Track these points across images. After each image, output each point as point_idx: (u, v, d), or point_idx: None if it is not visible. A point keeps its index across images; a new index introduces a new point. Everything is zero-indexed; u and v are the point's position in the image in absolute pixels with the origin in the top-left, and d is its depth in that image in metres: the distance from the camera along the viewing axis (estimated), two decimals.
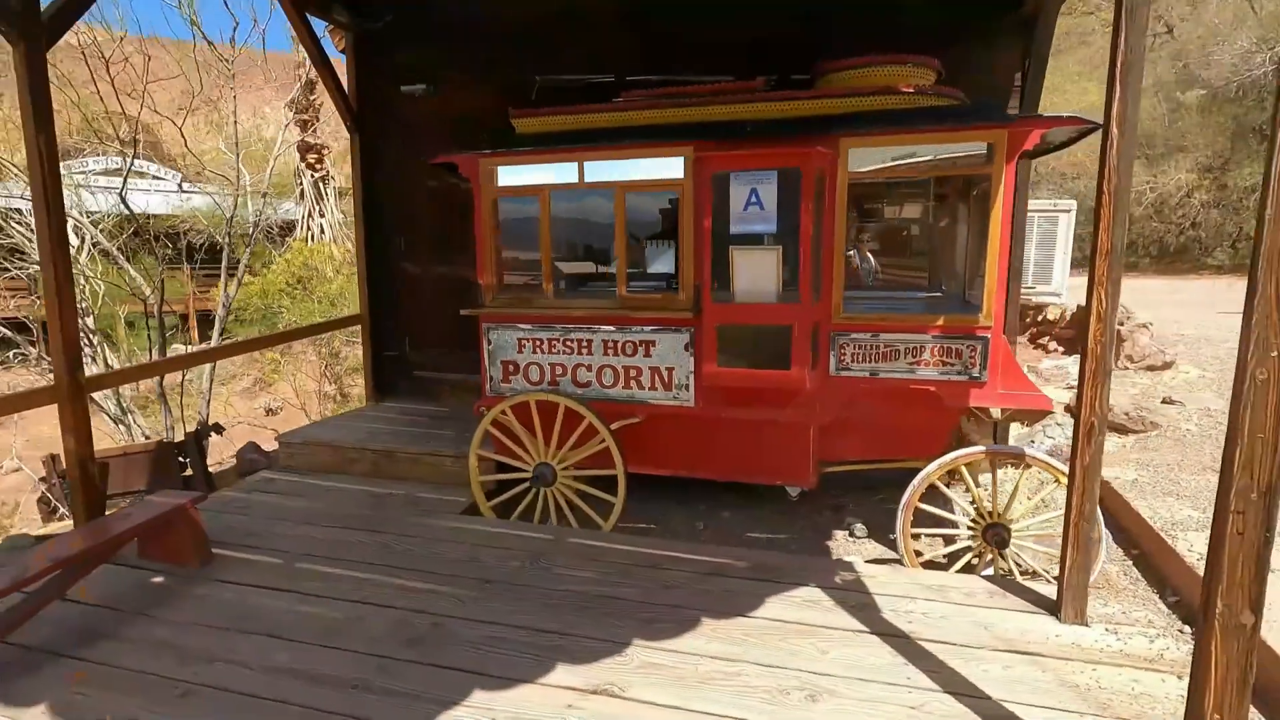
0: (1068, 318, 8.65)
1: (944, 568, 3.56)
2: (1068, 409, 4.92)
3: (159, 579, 3.57)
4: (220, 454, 6.75)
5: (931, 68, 3.80)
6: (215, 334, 7.15)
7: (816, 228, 3.54)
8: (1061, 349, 8.12)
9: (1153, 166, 21.74)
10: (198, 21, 7.30)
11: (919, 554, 3.59)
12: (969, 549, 3.48)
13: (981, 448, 3.39)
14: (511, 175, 4.09)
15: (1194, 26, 24.80)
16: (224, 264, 7.31)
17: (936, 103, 3.53)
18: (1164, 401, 5.13)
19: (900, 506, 3.49)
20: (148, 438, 6.55)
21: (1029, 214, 5.73)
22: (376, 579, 3.49)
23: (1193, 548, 3.11)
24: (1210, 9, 23.51)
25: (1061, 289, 5.90)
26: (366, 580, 3.48)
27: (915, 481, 3.46)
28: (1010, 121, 3.30)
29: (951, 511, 3.61)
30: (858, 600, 3.19)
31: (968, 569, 3.49)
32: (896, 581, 3.32)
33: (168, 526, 3.66)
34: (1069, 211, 5.86)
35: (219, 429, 5.66)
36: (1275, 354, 1.61)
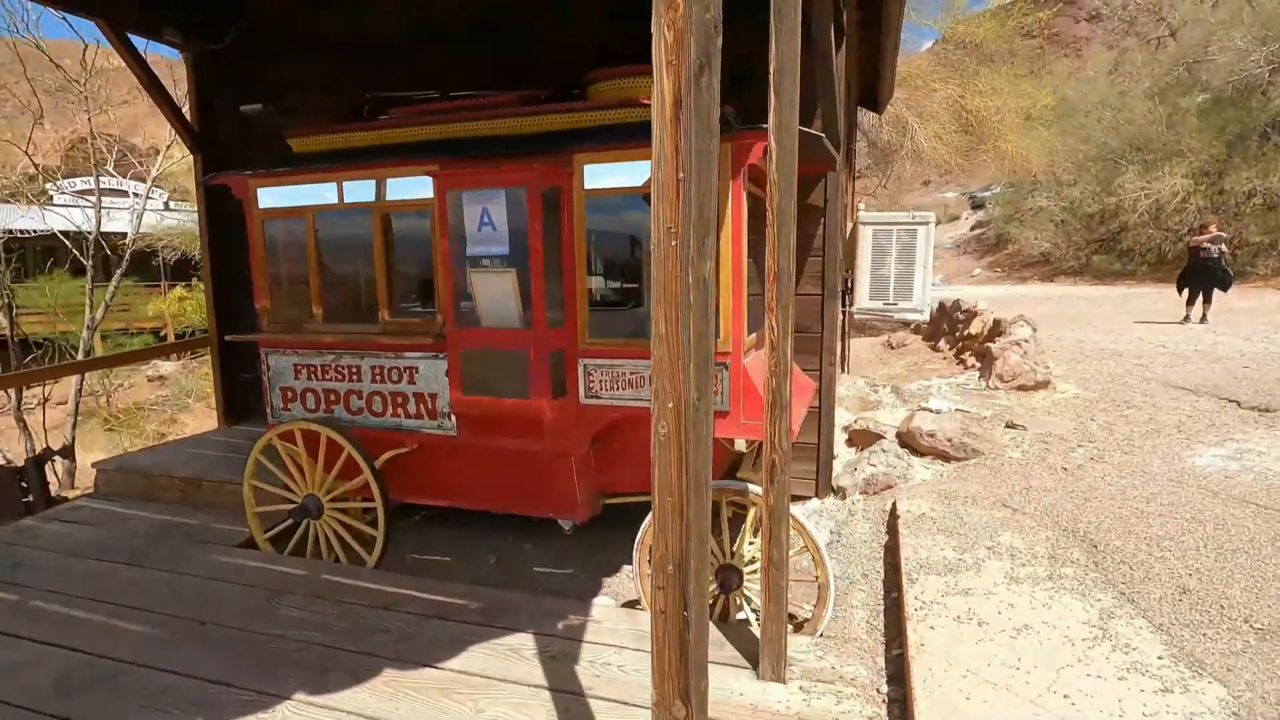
0: (986, 331, 8.30)
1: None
2: (899, 435, 4.62)
3: None
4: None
5: None
6: (80, 353, 7.17)
7: (550, 248, 3.35)
8: (979, 364, 7.77)
9: (1148, 172, 21.03)
10: (42, 48, 7.31)
11: None
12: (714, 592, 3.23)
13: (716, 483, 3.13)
14: (277, 197, 3.96)
15: (1194, 29, 24.11)
16: (88, 283, 7.33)
17: None
18: (1007, 426, 4.80)
19: (635, 544, 3.25)
20: (8, 461, 6.56)
21: (890, 228, 5.47)
22: (92, 619, 3.34)
23: (922, 594, 2.83)
24: (1208, 8, 22.83)
25: (923, 305, 5.60)
26: (81, 619, 3.34)
27: (648, 518, 3.22)
28: (730, 134, 3.08)
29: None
30: (562, 649, 2.96)
31: (721, 613, 3.24)
32: (620, 628, 3.10)
33: None
34: (927, 224, 5.57)
35: (65, 453, 5.59)
36: (673, 404, 1.39)
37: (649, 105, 3.34)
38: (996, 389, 5.55)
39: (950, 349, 9.21)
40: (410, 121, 3.73)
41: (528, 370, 3.39)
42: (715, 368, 3.26)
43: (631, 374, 3.40)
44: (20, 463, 5.32)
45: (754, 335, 3.55)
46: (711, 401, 1.46)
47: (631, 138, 3.28)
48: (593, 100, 3.52)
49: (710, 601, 3.25)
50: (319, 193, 3.88)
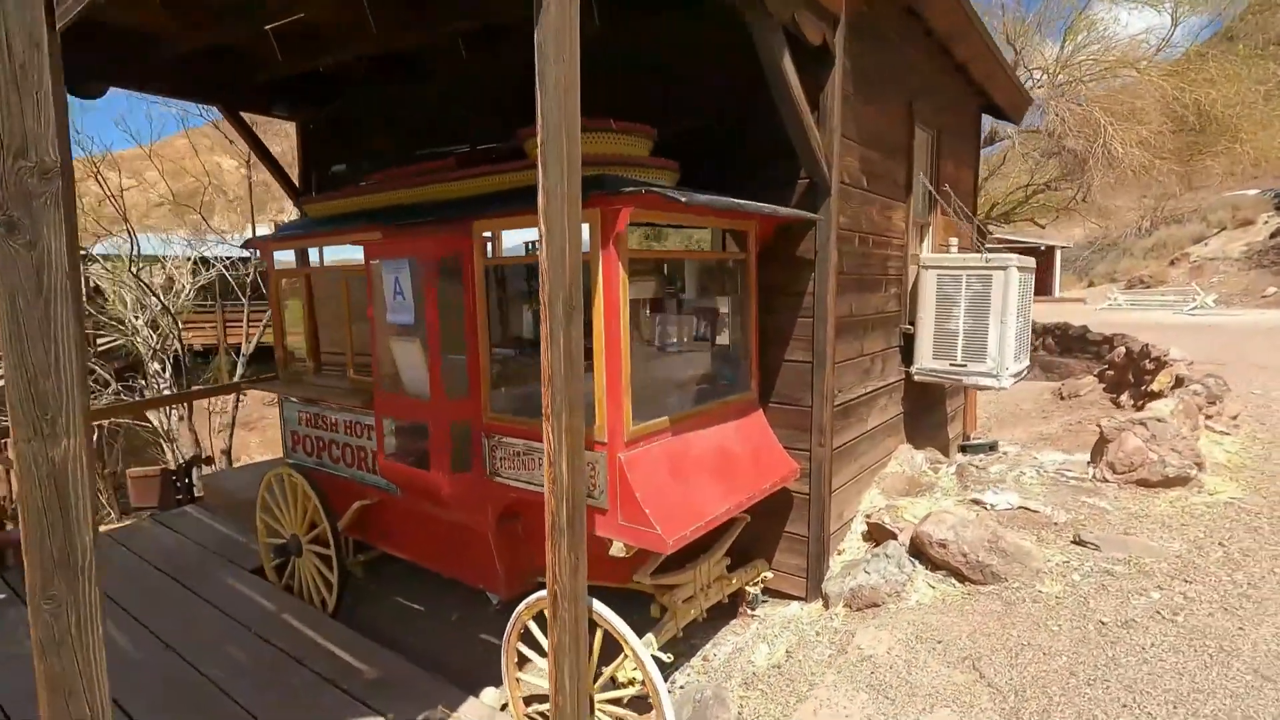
0: (1169, 389, 6.48)
1: None
2: (912, 539, 3.67)
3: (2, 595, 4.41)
4: None
5: (642, 135, 3.26)
6: (237, 376, 8.53)
7: (452, 319, 3.24)
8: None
9: None
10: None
11: (532, 701, 3.05)
12: None
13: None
14: (284, 259, 4.35)
15: None
16: (245, 309, 8.69)
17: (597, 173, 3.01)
18: (1074, 541, 3.55)
19: (503, 642, 3.00)
20: (180, 464, 8.02)
21: (958, 273, 4.45)
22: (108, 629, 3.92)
23: None
24: None
25: (1000, 369, 4.43)
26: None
27: (516, 613, 2.96)
28: (587, 199, 2.71)
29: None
30: None
31: None
32: None
33: (14, 551, 4.51)
34: (1005, 269, 4.40)
35: (208, 461, 6.70)
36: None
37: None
38: (1105, 481, 4.23)
39: (1132, 405, 7.37)
40: (369, 189, 3.86)
41: (428, 441, 3.32)
42: (593, 457, 2.90)
43: (525, 454, 3.16)
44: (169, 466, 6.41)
45: (668, 419, 3.10)
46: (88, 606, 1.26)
47: (528, 202, 3.06)
48: (523, 161, 3.35)
49: None
50: (308, 256, 4.19)
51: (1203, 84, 8.37)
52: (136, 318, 8.49)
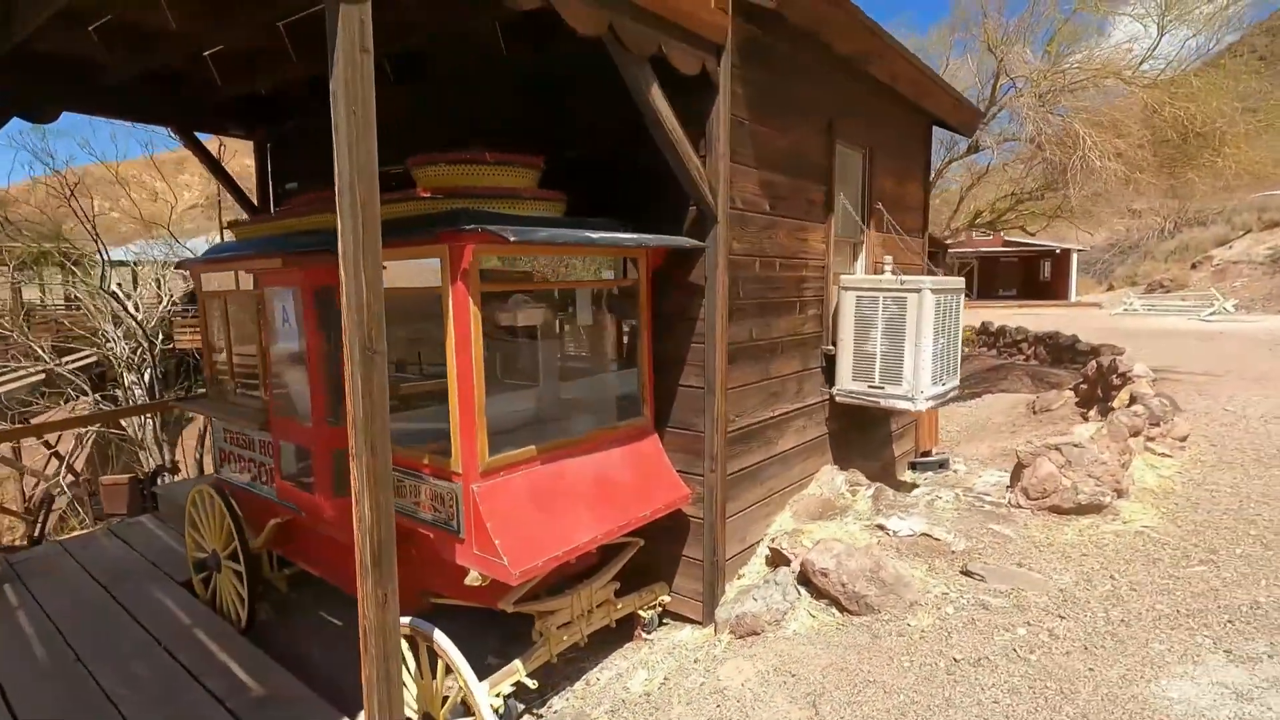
0: (1126, 404, 6.34)
1: None
2: (776, 559, 3.64)
3: None
4: None
5: (523, 166, 3.30)
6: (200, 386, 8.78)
7: (325, 346, 3.30)
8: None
9: None
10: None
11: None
12: None
13: (406, 619, 2.83)
14: (210, 280, 4.46)
15: None
16: None
17: (448, 207, 3.06)
18: (962, 571, 3.49)
19: None
20: (147, 472, 8.23)
21: (875, 294, 4.40)
22: (29, 637, 4.06)
23: None
24: None
25: (915, 392, 4.37)
26: (25, 635, 4.07)
27: None
28: (433, 235, 2.76)
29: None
30: None
31: None
32: None
33: None
34: (919, 291, 4.35)
35: (175, 469, 6.89)
36: None
37: (424, 198, 3.13)
38: (1019, 507, 4.16)
39: (1101, 419, 7.23)
40: (279, 215, 3.95)
41: (311, 465, 3.39)
42: (452, 487, 2.95)
43: (400, 481, 3.21)
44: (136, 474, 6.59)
45: (534, 447, 3.13)
46: None
47: (406, 233, 3.10)
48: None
49: None
50: (230, 279, 4.29)
51: (1183, 99, 8.13)
52: (117, 326, 8.76)
